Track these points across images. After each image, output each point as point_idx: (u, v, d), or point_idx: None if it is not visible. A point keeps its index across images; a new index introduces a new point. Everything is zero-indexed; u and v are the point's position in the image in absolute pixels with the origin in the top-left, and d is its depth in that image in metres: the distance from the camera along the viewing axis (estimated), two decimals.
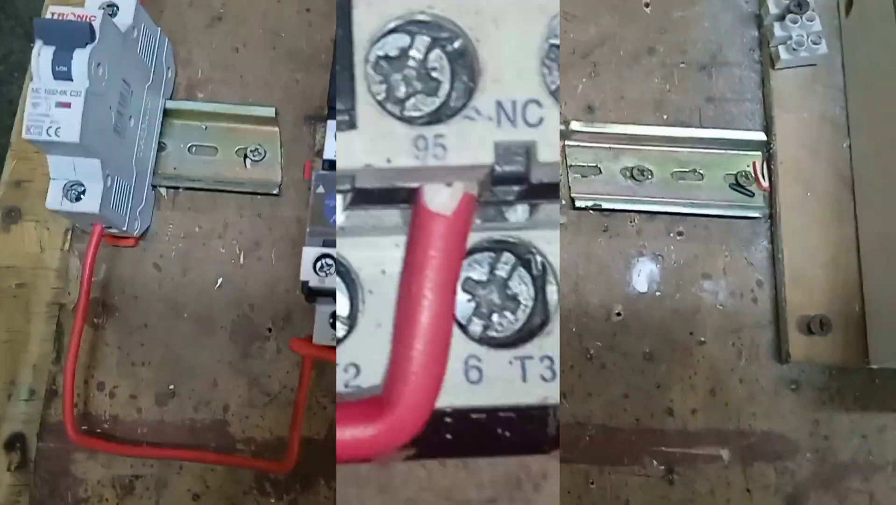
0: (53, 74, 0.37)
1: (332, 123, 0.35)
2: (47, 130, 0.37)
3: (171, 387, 0.44)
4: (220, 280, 0.46)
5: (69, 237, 0.47)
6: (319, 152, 0.47)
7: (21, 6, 1.34)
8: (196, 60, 0.49)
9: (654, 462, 0.44)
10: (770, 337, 0.45)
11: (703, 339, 0.45)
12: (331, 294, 0.33)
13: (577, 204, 0.46)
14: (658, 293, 0.46)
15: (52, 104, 0.37)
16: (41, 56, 0.37)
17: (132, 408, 0.44)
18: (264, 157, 0.47)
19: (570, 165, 0.47)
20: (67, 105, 0.37)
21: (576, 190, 0.47)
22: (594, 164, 0.47)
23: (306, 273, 0.32)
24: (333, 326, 0.36)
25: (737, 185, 0.47)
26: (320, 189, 0.34)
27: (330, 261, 0.33)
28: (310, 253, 0.33)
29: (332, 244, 0.33)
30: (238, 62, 0.49)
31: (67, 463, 0.43)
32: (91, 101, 0.38)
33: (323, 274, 0.32)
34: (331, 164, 0.35)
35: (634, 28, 0.50)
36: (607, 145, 0.47)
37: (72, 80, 0.37)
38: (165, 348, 0.45)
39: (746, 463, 0.44)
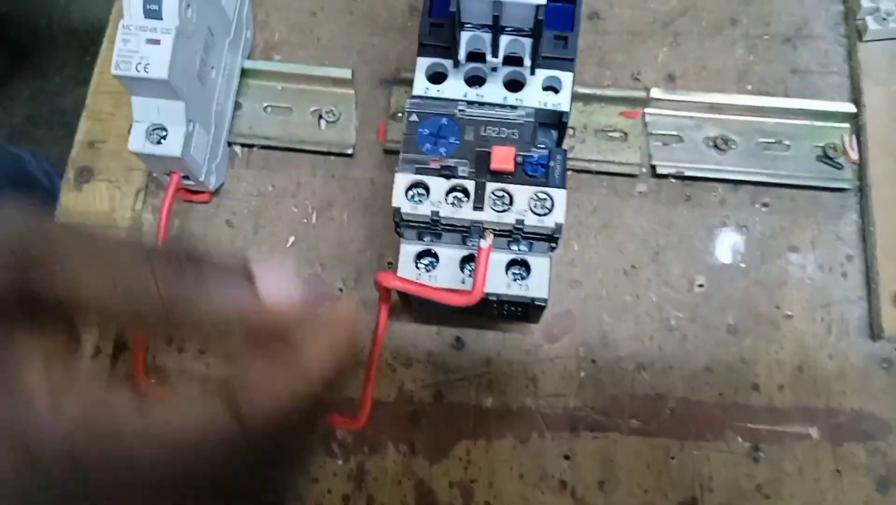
0: (144, 13, 0.37)
1: (421, 61, 0.35)
2: (136, 66, 0.37)
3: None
4: (291, 239, 0.45)
5: (142, 196, 0.47)
6: (394, 115, 0.47)
7: (76, 19, 1.38)
8: (274, 23, 0.49)
9: (739, 438, 0.42)
10: (861, 313, 0.43)
11: (789, 313, 0.43)
12: (423, 223, 0.32)
13: (658, 171, 0.45)
14: (742, 265, 0.44)
15: (142, 41, 0.37)
16: None
17: (201, 363, 0.43)
18: (339, 118, 0.47)
19: (650, 133, 0.46)
20: (157, 42, 0.37)
21: (657, 157, 0.45)
22: (675, 133, 0.46)
23: (398, 199, 0.31)
24: (423, 264, 0.34)
25: (825, 157, 0.45)
26: (413, 117, 0.33)
27: (422, 190, 0.32)
28: (402, 180, 0.32)
29: (425, 172, 0.32)
30: (315, 25, 0.49)
31: None
32: (179, 41, 0.38)
33: (415, 202, 0.31)
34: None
35: None
36: (689, 114, 0.46)
37: (161, 18, 0.37)
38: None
39: (836, 442, 0.41)
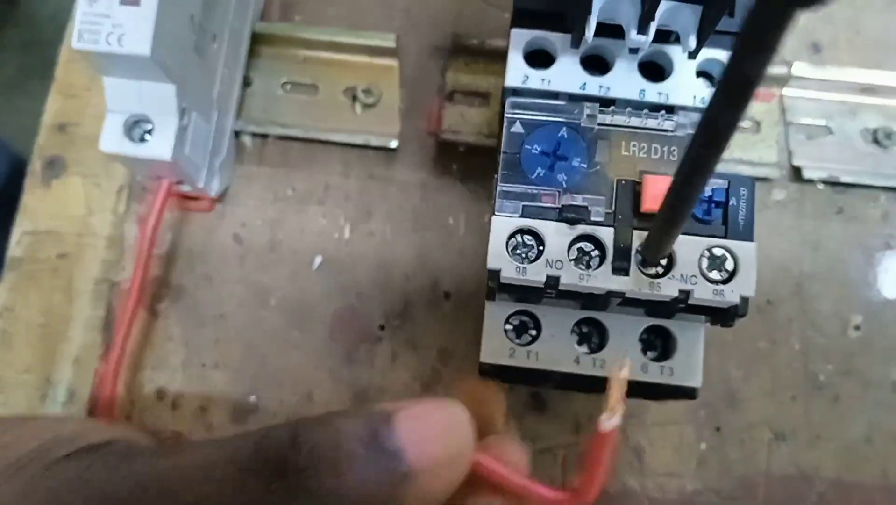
0: None
1: (517, 35, 0.24)
2: (107, 38, 0.26)
3: (253, 399, 0.33)
4: (318, 259, 0.35)
5: (125, 196, 0.36)
6: (451, 95, 0.36)
7: None
8: None
9: None
10: None
11: None
12: (528, 291, 0.22)
13: (805, 175, 0.34)
14: None
15: (114, 2, 0.26)
16: None
17: (200, 424, 0.33)
18: (379, 99, 0.36)
19: (790, 123, 0.35)
20: (136, 2, 0.26)
21: (800, 155, 0.34)
22: (823, 123, 0.35)
23: (497, 257, 0.20)
24: (518, 332, 0.24)
25: None
26: (517, 126, 0.22)
27: (530, 239, 0.21)
28: (503, 226, 0.21)
29: (538, 213, 0.21)
30: None
31: None
32: (167, 2, 0.27)
33: (521, 260, 0.21)
34: (514, 95, 0.23)
35: None
36: (840, 97, 0.35)
37: None
38: (246, 347, 0.34)
39: None
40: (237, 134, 0.36)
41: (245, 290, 0.34)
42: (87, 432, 0.24)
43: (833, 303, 0.34)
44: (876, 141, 0.35)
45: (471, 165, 0.35)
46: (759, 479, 0.32)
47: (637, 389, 0.24)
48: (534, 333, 0.24)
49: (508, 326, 0.24)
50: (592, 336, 0.24)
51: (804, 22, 0.36)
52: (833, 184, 0.34)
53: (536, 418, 0.33)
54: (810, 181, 0.34)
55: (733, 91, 0.13)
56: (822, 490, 0.32)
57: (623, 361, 0.19)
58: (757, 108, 0.35)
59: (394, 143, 0.35)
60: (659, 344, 0.24)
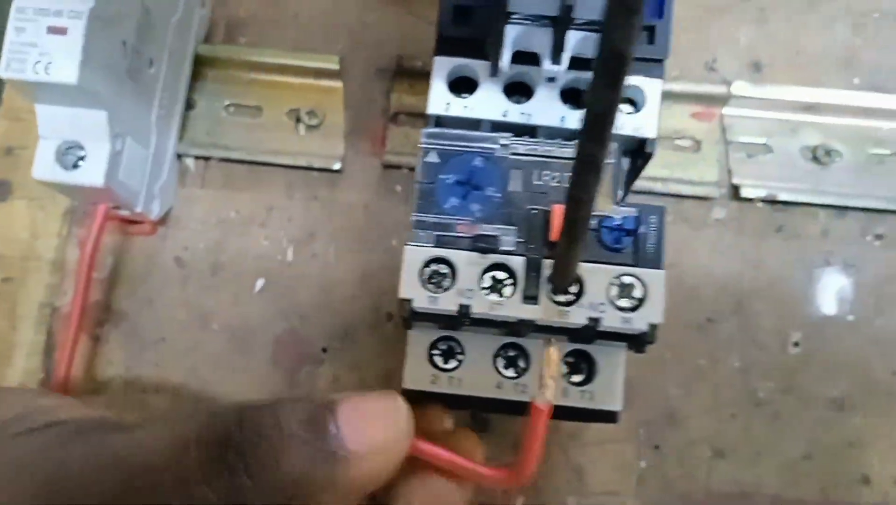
0: None
1: (440, 62, 0.24)
2: (34, 66, 0.26)
3: None
4: (260, 282, 0.35)
5: (70, 220, 0.36)
6: (396, 117, 0.36)
7: None
8: None
9: None
10: None
11: None
12: (444, 319, 0.22)
13: (744, 193, 0.34)
14: (850, 317, 0.34)
15: (41, 28, 0.26)
16: None
17: None
18: (323, 121, 0.36)
19: (731, 142, 0.35)
20: (63, 31, 0.26)
21: (739, 174, 0.35)
22: (763, 141, 0.35)
23: (409, 287, 0.21)
24: (444, 358, 0.24)
25: None
26: (433, 156, 0.22)
27: (444, 268, 0.21)
28: (415, 255, 0.21)
29: (450, 242, 0.21)
30: None
31: None
32: (96, 28, 0.27)
33: (434, 290, 0.21)
34: (437, 124, 0.23)
35: None
36: (780, 115, 0.35)
37: None
38: (187, 371, 0.33)
39: None
40: (179, 156, 0.36)
41: (187, 313, 0.34)
42: (47, 409, 0.24)
43: (773, 320, 0.34)
44: (815, 159, 0.35)
45: None
46: (700, 496, 0.32)
47: (560, 412, 0.25)
48: (460, 357, 0.24)
49: (435, 352, 0.24)
50: (517, 360, 0.24)
51: (745, 41, 0.36)
52: (772, 202, 0.35)
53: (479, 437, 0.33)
54: (750, 200, 0.35)
55: (608, 68, 0.13)
56: None
57: (555, 340, 0.20)
58: (697, 126, 0.35)
59: (337, 165, 0.35)
60: (585, 368, 0.24)
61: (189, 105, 0.36)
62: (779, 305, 0.34)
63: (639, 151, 0.24)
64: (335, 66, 0.35)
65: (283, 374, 0.34)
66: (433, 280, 0.21)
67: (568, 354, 0.24)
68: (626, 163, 0.25)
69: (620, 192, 0.24)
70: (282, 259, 0.35)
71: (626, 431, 0.33)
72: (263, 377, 0.33)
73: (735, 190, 0.35)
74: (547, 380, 0.20)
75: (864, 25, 0.37)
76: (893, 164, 0.35)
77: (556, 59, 0.21)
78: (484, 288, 0.21)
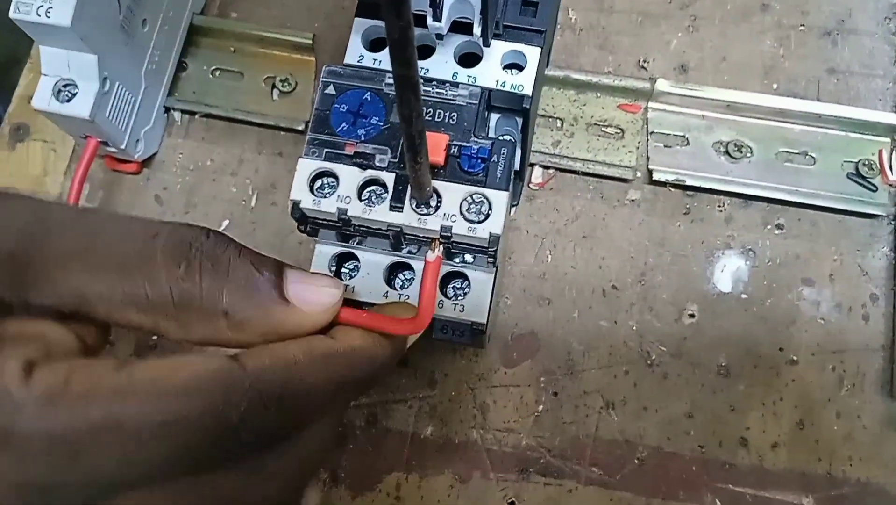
0: None
1: (359, 23, 0.28)
2: (37, 10, 0.32)
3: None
4: (225, 222, 0.40)
5: (74, 161, 0.42)
6: None
7: None
8: None
9: (718, 501, 0.35)
10: (881, 365, 0.36)
11: (794, 357, 0.36)
12: (328, 225, 0.26)
13: (655, 176, 0.38)
14: (744, 295, 0.37)
15: None
16: None
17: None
18: (294, 88, 0.41)
19: (652, 132, 0.39)
20: None
21: (655, 161, 0.39)
22: (681, 133, 0.39)
23: (298, 191, 0.25)
24: (340, 269, 0.28)
25: (856, 175, 0.38)
26: (330, 89, 0.27)
27: (333, 180, 0.26)
28: (306, 166, 0.26)
29: (337, 158, 0.26)
30: None
31: None
32: None
33: (321, 196, 0.25)
34: None
35: None
36: (700, 112, 0.39)
37: None
38: None
39: None
40: (169, 110, 0.41)
41: None
42: None
43: (672, 292, 0.37)
44: (727, 153, 0.39)
45: None
46: (588, 441, 0.36)
47: (438, 328, 0.29)
48: (354, 271, 0.28)
49: (334, 266, 0.29)
50: (404, 273, 0.29)
51: (676, 46, 0.40)
52: (683, 187, 0.38)
53: (397, 372, 0.37)
54: (663, 183, 0.38)
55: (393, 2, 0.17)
56: (643, 456, 0.36)
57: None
58: (623, 117, 0.39)
59: (301, 126, 0.40)
60: (462, 285, 0.28)
61: (181, 67, 0.41)
62: (679, 280, 0.38)
63: (524, 110, 0.28)
64: (309, 42, 0.41)
65: None
66: (322, 189, 0.26)
67: (449, 276, 0.28)
68: (519, 123, 0.29)
69: (485, 135, 0.28)
70: (245, 204, 0.40)
71: (529, 377, 0.37)
72: None
73: (650, 174, 0.38)
74: (434, 245, 0.24)
75: (787, 38, 0.41)
76: (799, 163, 0.39)
77: (436, 16, 0.26)
78: (363, 200, 0.25)
